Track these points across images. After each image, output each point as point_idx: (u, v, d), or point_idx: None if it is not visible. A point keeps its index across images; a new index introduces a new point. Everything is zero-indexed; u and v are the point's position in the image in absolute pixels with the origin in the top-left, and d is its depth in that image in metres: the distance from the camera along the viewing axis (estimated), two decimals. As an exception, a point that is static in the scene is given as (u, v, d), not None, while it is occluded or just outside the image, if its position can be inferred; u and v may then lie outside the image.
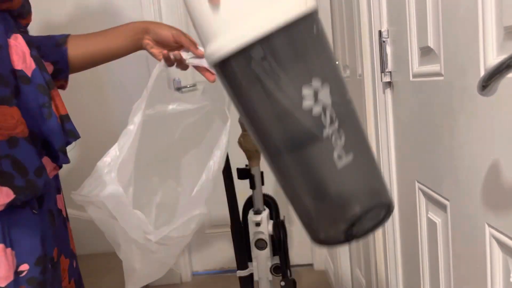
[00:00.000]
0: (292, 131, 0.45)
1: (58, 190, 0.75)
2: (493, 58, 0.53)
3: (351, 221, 0.45)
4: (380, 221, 0.48)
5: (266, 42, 0.41)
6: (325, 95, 0.44)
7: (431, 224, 0.78)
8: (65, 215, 0.77)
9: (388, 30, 0.92)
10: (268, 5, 0.41)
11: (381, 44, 0.92)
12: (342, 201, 0.47)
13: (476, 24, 0.55)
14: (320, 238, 0.48)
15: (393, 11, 0.89)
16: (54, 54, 0.81)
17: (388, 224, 1.02)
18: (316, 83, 0.43)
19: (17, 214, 0.60)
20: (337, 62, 0.49)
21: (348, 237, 0.46)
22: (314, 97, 0.43)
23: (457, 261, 0.69)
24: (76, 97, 2.00)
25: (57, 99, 0.68)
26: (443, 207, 0.72)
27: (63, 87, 0.86)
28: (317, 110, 0.43)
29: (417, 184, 0.83)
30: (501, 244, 0.55)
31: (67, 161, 0.66)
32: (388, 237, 1.03)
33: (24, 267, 0.60)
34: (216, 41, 0.42)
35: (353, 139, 0.46)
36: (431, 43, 0.71)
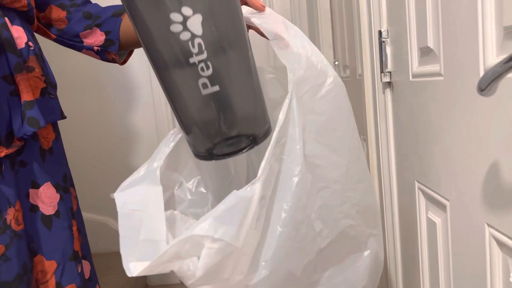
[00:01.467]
0: (163, 50, 0.49)
1: (35, 184, 0.71)
2: (492, 58, 0.53)
3: (209, 144, 0.52)
4: (240, 149, 0.52)
5: None
6: (195, 25, 0.46)
7: (431, 224, 0.78)
8: (50, 213, 0.72)
9: (387, 30, 0.92)
10: None
11: (381, 44, 0.92)
12: (203, 124, 0.52)
13: (476, 24, 0.55)
14: (193, 152, 0.56)
15: (392, 11, 0.89)
16: (107, 24, 0.79)
17: (387, 224, 1.02)
18: (186, 10, 0.46)
19: None
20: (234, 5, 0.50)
21: (211, 156, 0.53)
22: (182, 24, 0.46)
23: (456, 261, 0.69)
24: (77, 97, 2.00)
25: (22, 84, 0.65)
26: (443, 207, 0.72)
27: (115, 61, 0.84)
28: (185, 36, 0.47)
29: (417, 184, 0.84)
30: (500, 244, 0.55)
31: None
32: (388, 237, 1.03)
33: None
34: None
35: (223, 73, 0.49)
36: (430, 43, 0.71)
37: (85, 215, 1.36)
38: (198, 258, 0.48)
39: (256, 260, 0.50)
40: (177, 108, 0.54)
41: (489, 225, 0.56)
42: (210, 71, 0.49)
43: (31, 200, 0.70)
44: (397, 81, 0.90)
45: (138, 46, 0.79)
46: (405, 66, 0.83)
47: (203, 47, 0.47)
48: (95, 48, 0.80)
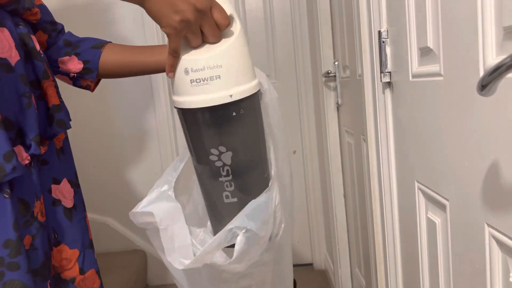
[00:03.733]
0: (203, 168, 0.68)
1: (56, 180, 0.78)
2: (492, 58, 0.53)
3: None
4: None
5: (199, 111, 0.62)
6: (226, 158, 0.64)
7: (431, 224, 0.78)
8: (70, 206, 0.80)
9: (387, 30, 0.92)
10: (208, 92, 0.61)
11: (381, 44, 0.92)
12: (223, 219, 0.68)
13: (476, 24, 0.55)
14: (214, 232, 0.73)
15: (392, 11, 0.89)
16: (87, 54, 0.87)
17: (387, 223, 1.02)
18: (222, 148, 0.64)
19: None
20: (259, 136, 0.69)
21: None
22: (218, 156, 0.64)
23: (456, 261, 0.69)
24: (77, 98, 2.00)
25: (50, 90, 0.73)
26: (442, 207, 0.72)
27: (89, 87, 0.91)
28: (218, 164, 0.65)
29: (416, 184, 0.84)
30: (500, 244, 0.55)
31: (38, 151, 0.68)
32: (387, 237, 1.03)
33: None
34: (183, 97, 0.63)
35: (240, 190, 0.68)
36: (430, 43, 0.71)
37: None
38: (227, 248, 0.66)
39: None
40: (207, 203, 0.73)
41: (489, 225, 0.57)
42: (232, 188, 0.67)
43: (53, 195, 0.77)
44: (397, 81, 0.90)
45: (111, 77, 0.90)
46: (405, 66, 0.83)
47: (230, 172, 0.65)
48: (71, 74, 0.88)
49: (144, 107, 2.09)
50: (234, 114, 0.62)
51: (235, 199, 0.68)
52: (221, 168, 0.65)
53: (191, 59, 0.60)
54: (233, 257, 0.63)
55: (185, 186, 0.76)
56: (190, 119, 0.64)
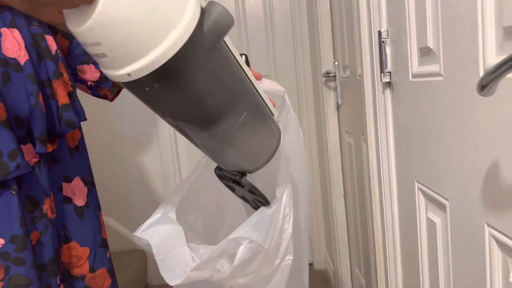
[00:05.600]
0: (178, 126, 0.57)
1: (67, 178, 0.79)
2: (492, 58, 0.53)
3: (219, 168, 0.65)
4: (237, 178, 0.64)
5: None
6: (183, 124, 0.53)
7: (431, 224, 0.78)
8: (82, 205, 0.80)
9: (387, 30, 0.92)
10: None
11: (381, 44, 0.92)
12: (221, 156, 0.62)
13: (476, 24, 0.55)
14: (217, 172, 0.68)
15: (392, 11, 0.89)
16: None
17: (387, 223, 1.02)
18: (168, 119, 0.52)
19: None
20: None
21: (219, 176, 0.68)
22: (173, 124, 0.53)
23: (456, 261, 0.69)
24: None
25: (60, 89, 0.73)
26: (442, 207, 0.72)
27: (107, 97, 0.92)
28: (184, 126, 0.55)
29: (416, 184, 0.84)
30: (500, 244, 0.55)
31: (43, 150, 0.69)
32: (387, 237, 1.03)
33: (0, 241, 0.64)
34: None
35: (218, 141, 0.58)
36: (430, 43, 0.71)
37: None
38: (227, 260, 0.62)
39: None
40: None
41: (489, 225, 0.57)
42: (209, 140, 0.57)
43: (64, 193, 0.78)
44: (397, 81, 0.90)
45: None
46: (405, 66, 0.83)
47: (198, 129, 0.55)
48: (89, 83, 0.88)
49: (144, 108, 2.09)
50: (147, 89, 0.46)
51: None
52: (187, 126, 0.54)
53: (73, 32, 0.42)
54: (234, 265, 0.61)
55: (193, 204, 0.75)
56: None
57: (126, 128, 2.13)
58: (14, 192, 0.65)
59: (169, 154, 2.11)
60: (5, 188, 0.65)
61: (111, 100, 0.93)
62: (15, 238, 0.65)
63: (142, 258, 2.14)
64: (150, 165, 2.14)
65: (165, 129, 2.10)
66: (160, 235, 0.66)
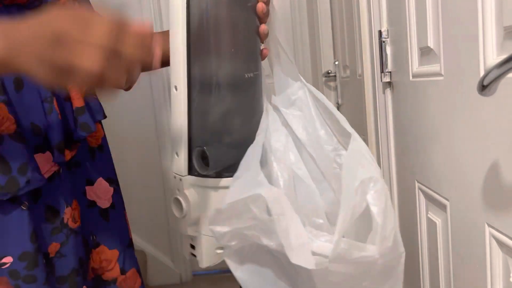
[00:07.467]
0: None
1: (89, 181, 0.77)
2: (493, 58, 0.53)
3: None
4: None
5: None
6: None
7: (431, 224, 0.78)
8: (107, 207, 0.78)
9: (388, 30, 0.92)
10: None
11: (381, 44, 0.92)
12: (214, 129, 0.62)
13: (476, 24, 0.55)
14: None
15: (393, 11, 0.89)
16: None
17: (388, 224, 1.02)
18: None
19: (4, 208, 0.61)
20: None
21: None
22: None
23: (457, 261, 0.69)
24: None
25: (73, 92, 0.70)
26: (443, 207, 0.72)
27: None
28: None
29: (417, 184, 0.84)
30: (501, 244, 0.55)
31: (61, 159, 0.66)
32: (388, 237, 1.03)
33: (8, 259, 0.62)
34: None
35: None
36: (430, 43, 0.71)
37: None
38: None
39: None
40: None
41: (489, 225, 0.56)
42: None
43: (88, 197, 0.76)
44: (397, 81, 0.90)
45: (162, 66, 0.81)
46: (405, 66, 0.83)
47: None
48: None
49: (144, 108, 2.09)
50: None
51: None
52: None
53: None
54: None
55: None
56: None
57: (125, 128, 2.13)
58: (24, 208, 0.62)
59: (169, 154, 2.11)
60: (15, 204, 0.62)
61: (127, 89, 0.89)
62: (26, 255, 0.62)
63: (142, 258, 2.14)
64: (150, 166, 2.14)
65: (165, 130, 2.10)
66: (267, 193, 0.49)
